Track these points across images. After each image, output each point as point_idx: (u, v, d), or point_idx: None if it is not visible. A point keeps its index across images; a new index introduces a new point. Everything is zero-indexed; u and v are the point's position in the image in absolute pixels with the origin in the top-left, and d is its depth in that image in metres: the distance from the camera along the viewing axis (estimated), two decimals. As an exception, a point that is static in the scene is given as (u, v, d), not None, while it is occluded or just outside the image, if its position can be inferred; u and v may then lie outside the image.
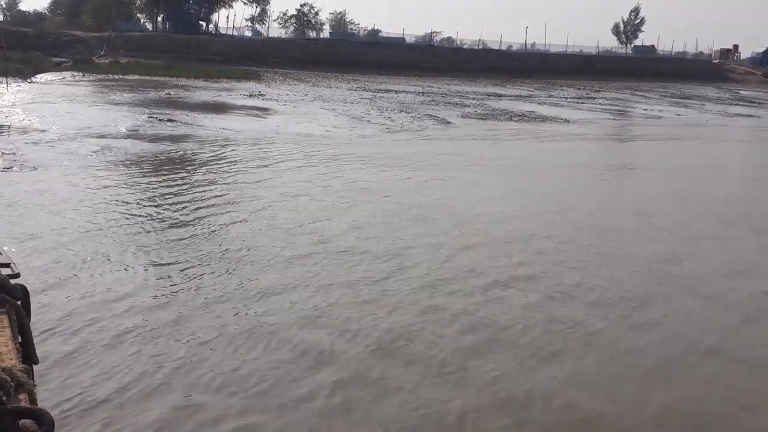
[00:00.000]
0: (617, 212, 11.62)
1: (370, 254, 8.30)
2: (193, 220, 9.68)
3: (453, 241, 9.12)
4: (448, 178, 13.76)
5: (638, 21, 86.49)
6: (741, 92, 57.09)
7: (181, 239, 8.70)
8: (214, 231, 9.16)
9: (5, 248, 3.78)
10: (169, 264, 7.70)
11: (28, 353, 2.71)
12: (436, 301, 6.87)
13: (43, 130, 17.70)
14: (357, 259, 8.09)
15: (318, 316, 6.38)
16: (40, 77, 37.10)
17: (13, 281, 2.97)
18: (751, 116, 35.51)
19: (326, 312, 6.48)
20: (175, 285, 7.06)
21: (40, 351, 2.71)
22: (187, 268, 7.56)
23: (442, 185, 13.08)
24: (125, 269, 7.45)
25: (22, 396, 2.08)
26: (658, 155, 19.99)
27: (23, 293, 3.05)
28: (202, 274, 7.37)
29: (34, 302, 2.96)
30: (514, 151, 18.89)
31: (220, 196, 11.32)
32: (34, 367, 2.84)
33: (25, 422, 1.77)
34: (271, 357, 5.55)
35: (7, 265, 2.98)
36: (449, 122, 24.90)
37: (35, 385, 2.36)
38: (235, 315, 6.36)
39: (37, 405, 2.11)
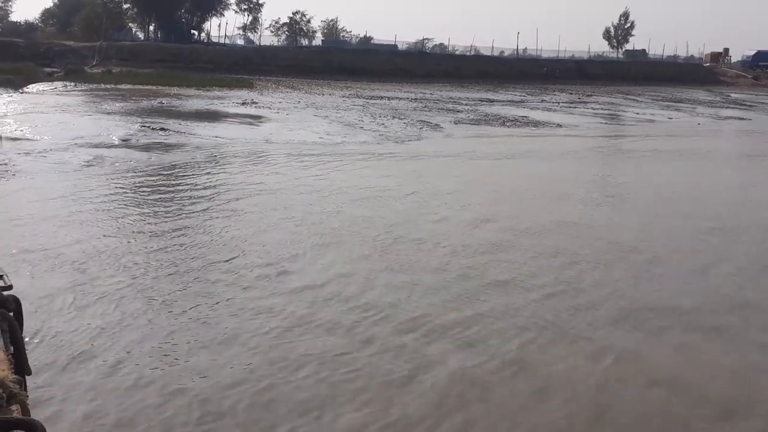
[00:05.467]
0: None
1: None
2: (184, 228, 9.65)
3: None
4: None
5: (628, 25, 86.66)
6: (732, 95, 57.32)
7: (173, 248, 8.68)
8: (211, 239, 9.14)
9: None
10: (162, 274, 7.67)
11: (20, 364, 2.69)
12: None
13: (35, 141, 17.65)
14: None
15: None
16: (32, 87, 37.02)
17: (5, 293, 2.96)
18: (743, 119, 35.65)
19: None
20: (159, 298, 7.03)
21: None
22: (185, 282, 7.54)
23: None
24: (116, 281, 7.43)
25: (14, 407, 2.06)
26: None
27: (15, 304, 3.03)
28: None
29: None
30: (503, 147, 18.93)
31: (212, 203, 11.31)
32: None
33: None
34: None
35: (0, 277, 2.97)
36: (442, 128, 24.92)
37: (27, 396, 2.34)
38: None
39: (29, 416, 2.09)
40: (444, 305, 7.08)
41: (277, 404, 5.08)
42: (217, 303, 6.88)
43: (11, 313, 2.88)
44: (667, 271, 8.59)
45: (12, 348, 2.74)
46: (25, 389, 2.57)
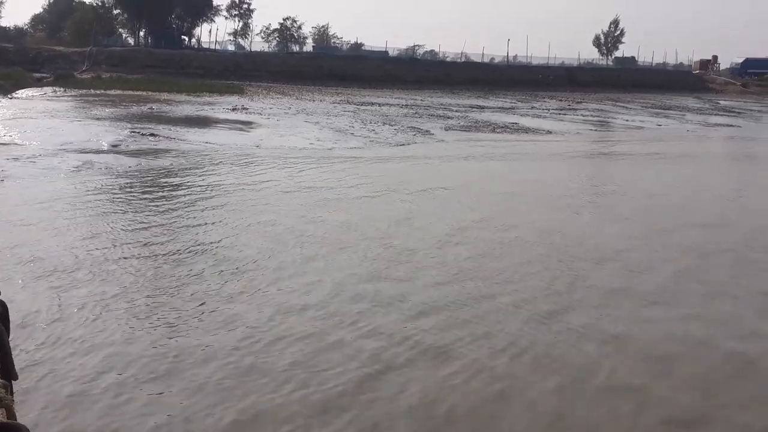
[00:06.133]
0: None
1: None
2: (175, 234, 9.63)
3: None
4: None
5: (618, 33, 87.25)
6: (721, 102, 57.68)
7: (162, 255, 8.66)
8: (203, 248, 9.12)
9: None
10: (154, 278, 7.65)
11: (6, 369, 2.67)
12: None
13: (24, 146, 17.57)
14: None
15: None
16: (21, 93, 36.86)
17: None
18: (731, 125, 35.87)
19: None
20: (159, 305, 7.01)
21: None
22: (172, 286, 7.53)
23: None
24: (103, 282, 7.40)
25: (0, 411, 2.05)
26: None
27: (2, 309, 3.02)
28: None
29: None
30: (492, 151, 18.99)
31: (201, 208, 11.29)
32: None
33: None
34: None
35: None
36: (432, 134, 24.97)
37: (13, 401, 2.32)
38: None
39: (15, 419, 2.08)
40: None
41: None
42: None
43: (-2, 319, 2.86)
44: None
45: (-2, 353, 2.73)
46: (11, 394, 2.56)
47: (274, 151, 18.72)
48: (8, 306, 2.97)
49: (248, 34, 77.43)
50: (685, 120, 38.13)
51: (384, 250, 9.16)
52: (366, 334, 6.43)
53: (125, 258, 8.38)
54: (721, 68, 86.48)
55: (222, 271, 8.02)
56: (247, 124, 26.08)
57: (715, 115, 43.69)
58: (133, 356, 5.77)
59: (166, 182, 13.90)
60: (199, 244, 9.13)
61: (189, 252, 8.77)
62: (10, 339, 3.03)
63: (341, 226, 10.43)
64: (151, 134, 20.95)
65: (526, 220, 11.35)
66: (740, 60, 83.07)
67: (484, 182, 15.49)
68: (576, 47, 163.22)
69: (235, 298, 7.17)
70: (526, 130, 27.84)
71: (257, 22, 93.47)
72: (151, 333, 6.24)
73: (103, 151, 17.46)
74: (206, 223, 10.31)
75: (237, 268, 8.12)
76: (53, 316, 6.49)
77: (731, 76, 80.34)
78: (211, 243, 9.21)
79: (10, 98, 33.64)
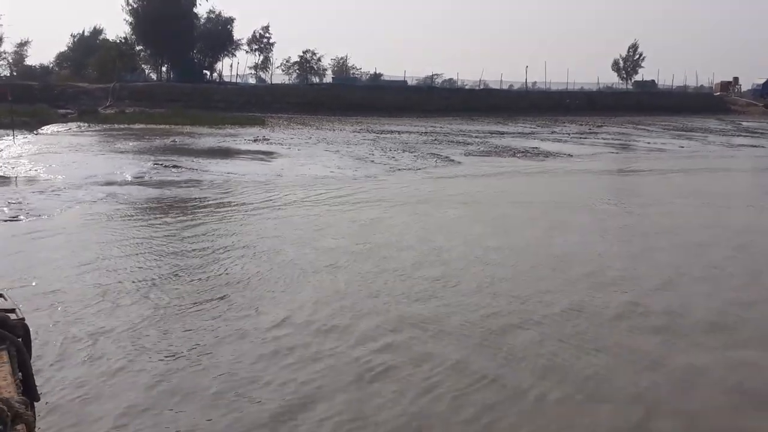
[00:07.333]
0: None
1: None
2: (200, 266, 9.65)
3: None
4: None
5: (637, 57, 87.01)
6: (743, 123, 57.22)
7: (189, 285, 8.68)
8: (221, 274, 9.13)
9: (7, 290, 3.75)
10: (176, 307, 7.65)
11: (28, 389, 2.66)
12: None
13: (49, 180, 17.80)
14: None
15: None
16: (47, 129, 37.43)
17: (14, 319, 2.95)
18: (755, 146, 35.54)
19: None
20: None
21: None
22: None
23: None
24: (126, 314, 7.42)
25: (19, 427, 2.04)
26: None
27: (24, 331, 3.02)
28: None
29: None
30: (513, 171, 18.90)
31: (224, 237, 11.33)
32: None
33: None
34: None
35: (12, 311, 3.00)
36: (453, 160, 24.97)
37: (34, 418, 2.30)
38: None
39: (36, 437, 2.05)
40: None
41: None
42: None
43: (20, 339, 2.86)
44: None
45: (20, 374, 2.72)
46: (34, 413, 2.54)
47: (295, 179, 18.83)
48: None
49: (269, 67, 78.30)
50: (708, 141, 37.85)
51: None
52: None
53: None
54: (742, 90, 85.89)
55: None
56: (269, 154, 26.25)
57: (738, 136, 43.34)
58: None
59: (188, 213, 13.99)
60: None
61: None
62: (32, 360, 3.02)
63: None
64: (174, 166, 21.15)
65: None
66: (762, 81, 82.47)
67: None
68: (595, 72, 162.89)
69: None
70: (547, 154, 27.76)
71: (277, 56, 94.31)
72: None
73: (127, 183, 17.63)
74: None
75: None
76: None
77: (753, 97, 79.74)
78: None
79: (36, 134, 34.20)
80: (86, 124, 40.77)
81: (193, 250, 10.43)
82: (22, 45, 75.49)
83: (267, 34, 77.81)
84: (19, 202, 14.20)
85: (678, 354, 6.65)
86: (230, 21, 75.29)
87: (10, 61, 73.96)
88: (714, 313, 7.87)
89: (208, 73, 75.38)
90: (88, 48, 76.67)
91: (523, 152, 28.51)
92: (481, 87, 77.72)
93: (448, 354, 6.46)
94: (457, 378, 5.97)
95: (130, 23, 69.49)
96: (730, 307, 8.13)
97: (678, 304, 8.11)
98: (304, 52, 78.21)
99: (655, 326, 7.36)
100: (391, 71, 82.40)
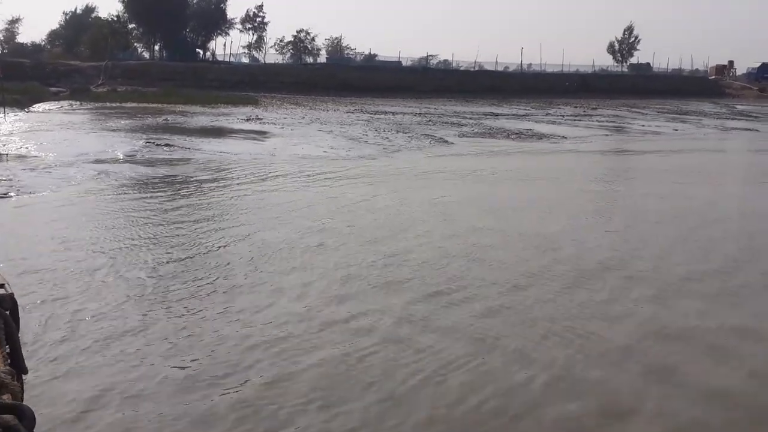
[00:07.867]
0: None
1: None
2: (190, 244, 9.63)
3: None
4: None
5: (633, 39, 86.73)
6: (738, 107, 57.20)
7: (177, 265, 8.65)
8: (210, 253, 9.11)
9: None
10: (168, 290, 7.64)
11: (16, 362, 2.65)
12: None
13: (40, 157, 17.69)
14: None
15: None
16: (38, 107, 37.17)
17: (2, 293, 2.93)
18: (749, 130, 35.55)
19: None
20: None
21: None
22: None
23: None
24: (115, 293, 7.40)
25: (5, 397, 2.03)
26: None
27: (11, 303, 3.00)
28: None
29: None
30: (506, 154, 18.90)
31: (214, 216, 11.29)
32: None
33: (6, 418, 1.75)
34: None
35: (1, 285, 2.98)
36: (446, 141, 24.91)
37: (21, 389, 2.28)
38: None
39: (21, 403, 2.05)
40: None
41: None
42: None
43: (8, 312, 2.84)
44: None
45: (8, 347, 2.70)
46: (22, 385, 2.52)
47: (288, 158, 18.76)
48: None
49: (262, 47, 78.00)
50: (702, 125, 37.83)
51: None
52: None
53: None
54: (737, 73, 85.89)
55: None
56: (262, 134, 26.13)
57: (733, 119, 43.36)
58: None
59: (180, 190, 13.93)
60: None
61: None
62: (20, 334, 2.99)
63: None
64: (167, 144, 21.03)
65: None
66: (757, 65, 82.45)
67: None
68: (590, 55, 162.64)
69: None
70: (541, 136, 27.72)
71: (271, 35, 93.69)
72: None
73: (118, 161, 17.54)
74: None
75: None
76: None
77: (748, 81, 79.79)
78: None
79: (27, 112, 33.96)
80: (78, 103, 40.50)
81: (184, 228, 10.38)
82: (14, 22, 75.07)
83: (261, 14, 77.55)
84: (10, 180, 14.10)
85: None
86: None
87: (2, 38, 73.64)
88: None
89: (201, 52, 74.96)
90: (80, 26, 76.11)
91: (517, 134, 28.44)
92: (476, 68, 77.53)
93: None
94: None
95: (123, 1, 68.90)
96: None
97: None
98: (298, 32, 77.93)
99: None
100: (386, 52, 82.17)
